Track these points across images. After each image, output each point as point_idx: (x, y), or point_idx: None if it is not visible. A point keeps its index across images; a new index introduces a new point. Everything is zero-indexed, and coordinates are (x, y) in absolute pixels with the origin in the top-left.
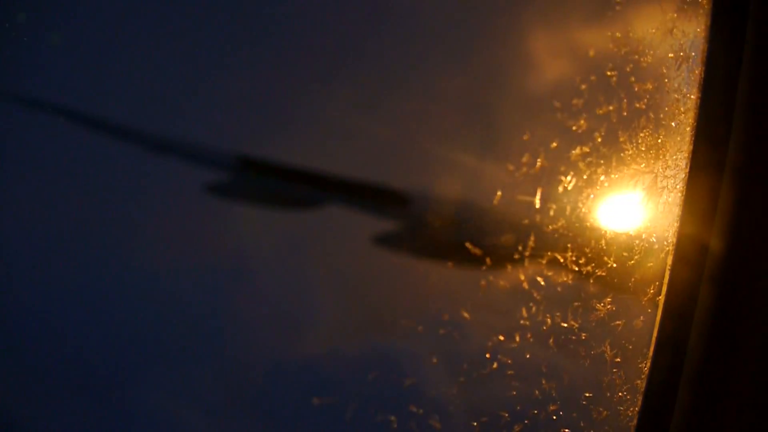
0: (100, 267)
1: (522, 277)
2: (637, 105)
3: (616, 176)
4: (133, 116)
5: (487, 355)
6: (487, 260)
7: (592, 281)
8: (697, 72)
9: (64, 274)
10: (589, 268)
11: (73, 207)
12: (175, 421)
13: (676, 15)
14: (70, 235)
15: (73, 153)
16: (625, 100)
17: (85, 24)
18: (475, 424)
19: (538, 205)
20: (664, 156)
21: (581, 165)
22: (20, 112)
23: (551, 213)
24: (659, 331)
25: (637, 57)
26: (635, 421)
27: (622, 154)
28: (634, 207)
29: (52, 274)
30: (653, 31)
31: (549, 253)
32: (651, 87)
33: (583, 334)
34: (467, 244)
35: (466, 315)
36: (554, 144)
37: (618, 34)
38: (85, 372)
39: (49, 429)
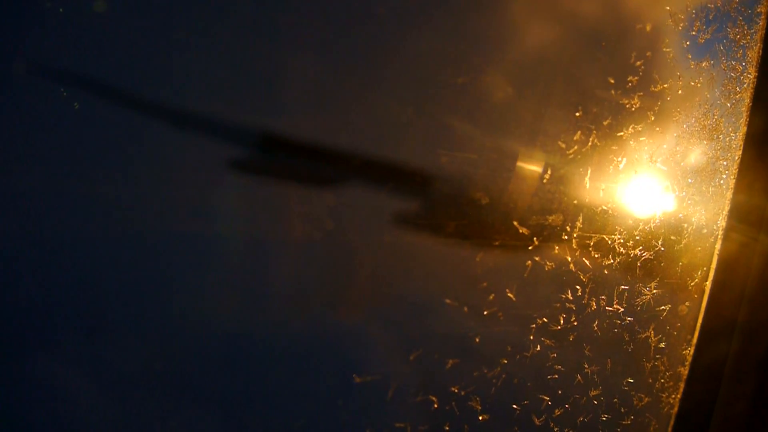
0: (105, 238)
1: (569, 259)
2: (693, 83)
3: (668, 157)
4: (155, 90)
5: (531, 337)
6: (534, 240)
7: (639, 265)
8: (755, 49)
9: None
10: (636, 251)
11: (89, 179)
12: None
13: None
14: (83, 209)
15: (95, 125)
16: (680, 78)
17: None
18: (516, 406)
19: (588, 185)
20: (718, 136)
21: (633, 144)
22: (37, 80)
23: (601, 193)
24: (705, 318)
25: (694, 34)
26: (676, 409)
27: (675, 134)
28: (684, 189)
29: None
30: (711, 7)
31: (597, 235)
32: (707, 65)
33: (628, 319)
34: (515, 223)
35: (511, 296)
36: (607, 121)
37: (676, 10)
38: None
39: None
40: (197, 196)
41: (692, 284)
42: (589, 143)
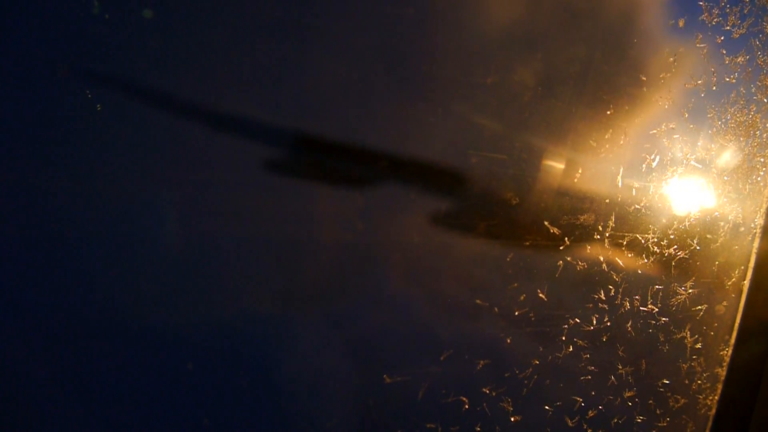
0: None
1: (601, 259)
2: (728, 79)
3: (703, 154)
4: (191, 93)
5: (563, 338)
6: (566, 240)
7: (674, 264)
8: None
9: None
10: (671, 250)
11: (128, 180)
12: None
13: None
14: (121, 210)
15: (130, 127)
16: (714, 74)
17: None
18: (548, 408)
19: (620, 184)
20: (755, 133)
21: (666, 142)
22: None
23: (634, 192)
24: (743, 318)
25: (728, 29)
26: (714, 411)
27: (709, 131)
28: (720, 186)
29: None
30: (747, 1)
31: (630, 234)
32: (742, 60)
33: (663, 319)
34: (546, 224)
35: (542, 296)
36: (639, 119)
37: (710, 5)
38: None
39: None
40: (224, 196)
41: (729, 283)
42: (621, 141)
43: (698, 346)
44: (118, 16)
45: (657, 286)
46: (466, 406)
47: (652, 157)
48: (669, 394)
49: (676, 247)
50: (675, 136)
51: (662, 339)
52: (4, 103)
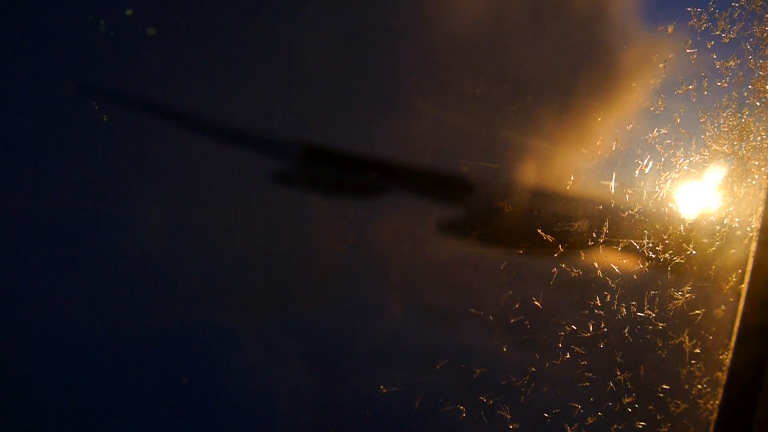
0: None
1: (596, 265)
2: (719, 83)
3: (696, 159)
4: (198, 106)
5: (560, 345)
6: (560, 247)
7: (670, 269)
8: None
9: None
10: (667, 255)
11: (140, 195)
12: None
13: None
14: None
15: (141, 141)
16: (705, 79)
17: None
18: (547, 415)
19: (613, 190)
20: (748, 137)
21: (659, 147)
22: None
23: (627, 198)
24: (742, 322)
25: (718, 33)
26: (715, 415)
27: (702, 136)
28: (715, 191)
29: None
30: (736, 6)
31: (625, 240)
32: (734, 64)
33: (661, 324)
34: (539, 231)
35: (537, 304)
36: (630, 126)
37: (698, 10)
38: None
39: None
40: (218, 206)
41: (727, 287)
42: (613, 148)
43: (697, 350)
44: (123, 34)
45: (653, 291)
46: (464, 415)
47: (645, 162)
48: (669, 399)
49: (671, 251)
50: (667, 142)
51: (660, 344)
52: (24, 121)
